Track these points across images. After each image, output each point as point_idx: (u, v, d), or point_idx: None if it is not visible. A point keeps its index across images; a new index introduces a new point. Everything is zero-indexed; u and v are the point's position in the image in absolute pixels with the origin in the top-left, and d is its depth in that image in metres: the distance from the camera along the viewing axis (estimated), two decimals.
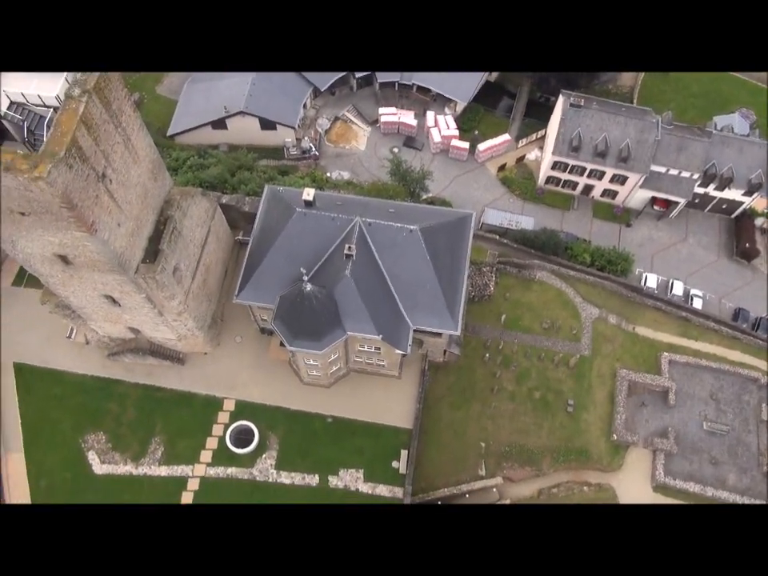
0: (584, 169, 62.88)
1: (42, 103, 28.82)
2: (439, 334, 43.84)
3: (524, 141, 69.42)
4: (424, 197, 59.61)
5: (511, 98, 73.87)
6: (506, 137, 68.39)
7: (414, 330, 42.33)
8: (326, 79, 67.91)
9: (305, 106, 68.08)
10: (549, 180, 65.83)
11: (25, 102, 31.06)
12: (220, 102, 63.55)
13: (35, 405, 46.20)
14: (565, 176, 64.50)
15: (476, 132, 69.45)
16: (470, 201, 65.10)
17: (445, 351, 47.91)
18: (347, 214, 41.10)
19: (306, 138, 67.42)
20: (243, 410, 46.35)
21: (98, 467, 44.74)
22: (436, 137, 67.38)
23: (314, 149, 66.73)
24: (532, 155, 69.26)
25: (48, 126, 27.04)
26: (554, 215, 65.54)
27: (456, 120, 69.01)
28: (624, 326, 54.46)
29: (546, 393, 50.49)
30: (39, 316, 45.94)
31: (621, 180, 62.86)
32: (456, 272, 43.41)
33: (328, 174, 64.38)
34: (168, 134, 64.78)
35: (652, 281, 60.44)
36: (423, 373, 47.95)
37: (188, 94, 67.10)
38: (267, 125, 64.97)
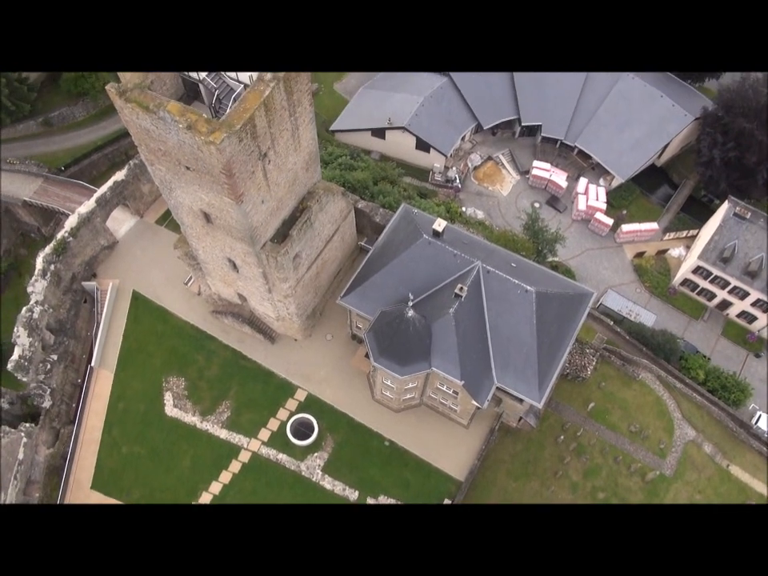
0: (727, 283, 58.76)
1: (236, 77, 31.42)
2: (521, 400, 42.65)
3: (671, 234, 66.09)
4: (549, 259, 58.38)
5: (672, 187, 70.88)
6: (653, 225, 65.51)
7: (497, 388, 41.54)
8: (491, 118, 68.53)
9: (463, 138, 69.03)
10: (685, 282, 62.14)
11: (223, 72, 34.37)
12: (386, 113, 65.98)
13: (137, 334, 50.08)
14: (704, 284, 60.59)
15: (624, 211, 67.09)
16: (596, 278, 62.90)
17: (520, 418, 46.49)
18: (470, 255, 41.14)
19: (453, 168, 68.31)
20: (311, 404, 47.55)
21: (170, 409, 47.61)
22: (581, 204, 65.81)
23: (458, 180, 67.45)
24: (675, 252, 65.73)
25: (234, 100, 29.33)
26: (679, 320, 61.72)
27: (607, 193, 67.04)
28: (718, 460, 50.07)
29: (611, 497, 47.46)
30: (167, 257, 49.97)
31: (765, 307, 58.08)
32: (558, 345, 42.16)
33: (463, 209, 64.76)
34: (330, 128, 68.15)
35: (765, 422, 55.15)
36: (492, 431, 46.81)
37: (361, 97, 70.32)
38: (422, 146, 66.57)
